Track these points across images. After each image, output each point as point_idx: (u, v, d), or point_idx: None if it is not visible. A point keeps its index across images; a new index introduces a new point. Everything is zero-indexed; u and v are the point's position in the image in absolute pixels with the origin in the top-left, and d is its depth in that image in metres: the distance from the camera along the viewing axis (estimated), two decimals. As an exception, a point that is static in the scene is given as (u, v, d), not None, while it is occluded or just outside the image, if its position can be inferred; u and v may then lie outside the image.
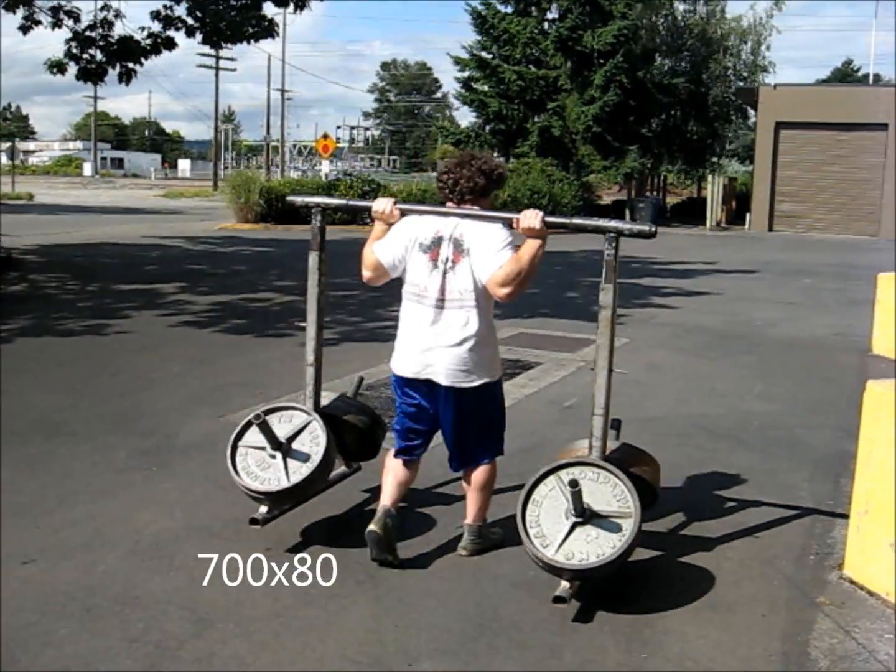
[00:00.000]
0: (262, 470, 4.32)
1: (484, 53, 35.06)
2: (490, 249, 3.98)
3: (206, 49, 45.78)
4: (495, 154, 37.92)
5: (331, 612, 3.72)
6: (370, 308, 12.03)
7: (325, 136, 36.67)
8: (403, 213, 4.27)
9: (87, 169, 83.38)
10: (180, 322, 10.57)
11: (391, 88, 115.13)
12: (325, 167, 35.25)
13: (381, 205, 4.27)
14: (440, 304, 4.06)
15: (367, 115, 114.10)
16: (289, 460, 4.31)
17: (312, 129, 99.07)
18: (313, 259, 4.49)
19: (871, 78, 58.36)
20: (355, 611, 3.74)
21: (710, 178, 39.75)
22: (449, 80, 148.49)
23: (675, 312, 12.19)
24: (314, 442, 4.34)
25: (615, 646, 3.54)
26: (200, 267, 16.76)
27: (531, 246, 3.96)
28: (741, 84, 37.53)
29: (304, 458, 4.31)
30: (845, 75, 73.81)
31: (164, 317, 10.88)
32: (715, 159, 42.93)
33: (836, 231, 32.06)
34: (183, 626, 3.59)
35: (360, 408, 4.87)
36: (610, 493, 3.84)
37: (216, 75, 64.43)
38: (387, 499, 4.19)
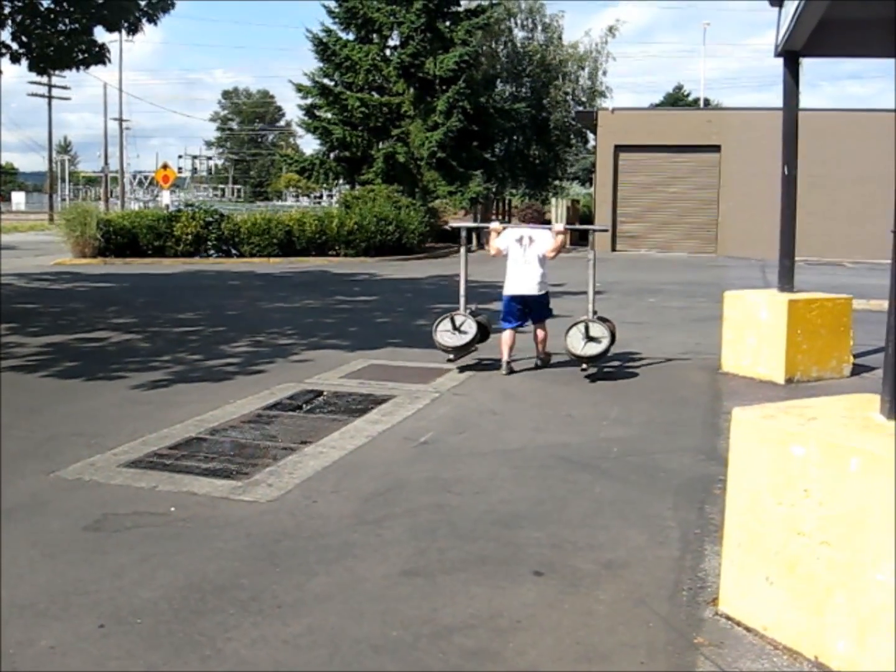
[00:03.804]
0: (450, 338, 9.70)
1: (326, 80, 34.74)
2: (546, 239, 9.61)
3: (37, 77, 44.40)
4: (340, 181, 37.68)
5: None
6: (212, 344, 11.54)
7: (165, 167, 35.63)
8: (505, 228, 10.00)
9: (-89, 204, 79.02)
10: (7, 367, 9.82)
11: (233, 117, 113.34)
12: (166, 198, 34.24)
13: (496, 225, 9.95)
14: (528, 262, 9.55)
15: (209, 144, 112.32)
16: (460, 334, 9.73)
17: (153, 159, 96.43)
18: (463, 251, 10.31)
19: (701, 102, 60.73)
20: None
21: (553, 200, 40.47)
22: (292, 107, 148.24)
23: (525, 337, 12.05)
24: (470, 327, 9.75)
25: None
26: (33, 305, 15.84)
27: (559, 238, 9.60)
28: (580, 108, 38.26)
29: (466, 333, 9.74)
30: (677, 100, 76.37)
31: (-11, 362, 10.11)
32: (557, 182, 43.62)
33: (677, 249, 33.02)
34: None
35: (481, 313, 10.29)
36: (598, 329, 9.43)
37: (49, 104, 62.47)
38: (506, 356, 9.64)
